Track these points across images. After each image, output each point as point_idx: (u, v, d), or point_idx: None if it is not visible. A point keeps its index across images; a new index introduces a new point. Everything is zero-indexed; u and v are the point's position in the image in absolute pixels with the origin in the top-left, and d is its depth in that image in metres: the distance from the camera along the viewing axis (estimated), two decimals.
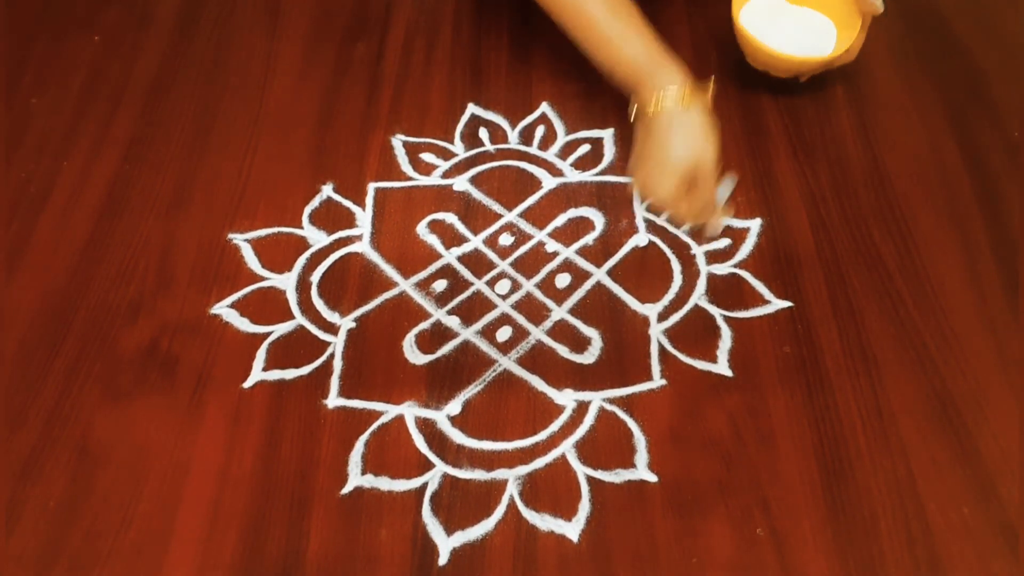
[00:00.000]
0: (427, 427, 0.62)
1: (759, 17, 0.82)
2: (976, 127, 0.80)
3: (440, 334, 0.67)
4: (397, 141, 0.81)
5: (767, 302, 0.68)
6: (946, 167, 0.77)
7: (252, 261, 0.72)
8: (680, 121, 0.66)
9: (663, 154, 0.66)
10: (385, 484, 0.59)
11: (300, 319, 0.68)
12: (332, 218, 0.75)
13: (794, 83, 0.82)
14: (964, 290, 0.68)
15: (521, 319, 0.68)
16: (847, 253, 0.71)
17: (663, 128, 0.66)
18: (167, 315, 0.69)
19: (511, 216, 0.75)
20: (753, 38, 0.78)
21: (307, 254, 0.73)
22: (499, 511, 0.58)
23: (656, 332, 0.67)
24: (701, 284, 0.69)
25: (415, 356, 0.66)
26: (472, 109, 0.83)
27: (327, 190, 0.77)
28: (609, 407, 0.63)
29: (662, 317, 0.68)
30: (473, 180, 0.78)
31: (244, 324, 0.68)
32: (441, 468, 0.60)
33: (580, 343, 0.66)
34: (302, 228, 0.74)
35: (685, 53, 0.84)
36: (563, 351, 0.66)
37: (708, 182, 0.67)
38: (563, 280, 0.70)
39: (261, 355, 0.66)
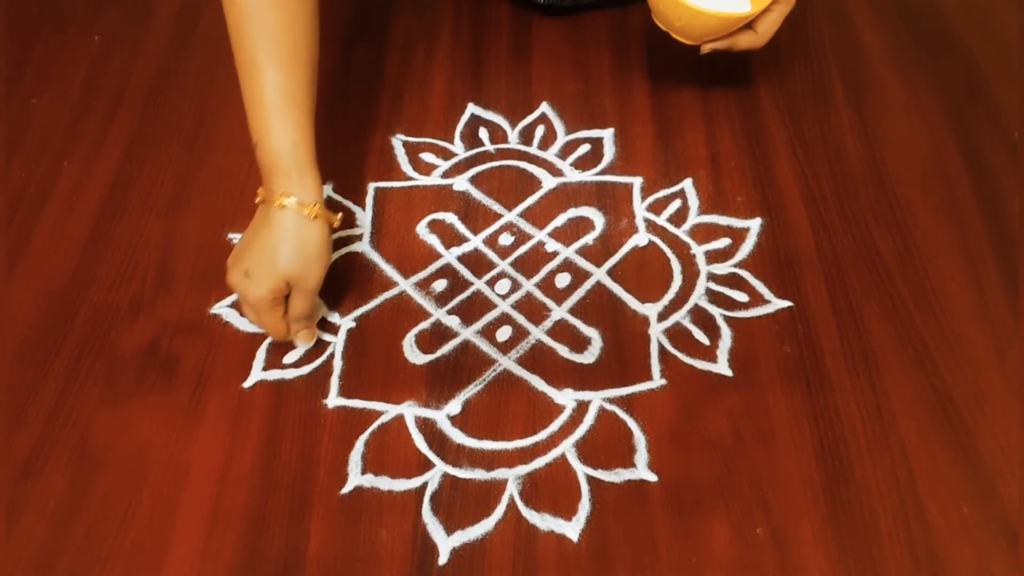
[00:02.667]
0: (427, 427, 0.62)
1: None
2: (976, 127, 0.80)
3: (440, 334, 0.67)
4: (397, 141, 0.81)
5: (767, 302, 0.68)
6: (946, 167, 0.77)
7: None
8: (301, 230, 0.61)
9: (271, 255, 0.61)
10: (385, 484, 0.59)
11: None
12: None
13: (783, 74, 0.82)
14: (964, 290, 0.68)
15: (521, 319, 0.68)
16: (847, 253, 0.71)
17: (281, 229, 0.61)
18: (167, 315, 0.69)
19: (511, 216, 0.75)
20: None
21: None
22: (499, 511, 0.58)
23: (656, 332, 0.67)
24: (701, 284, 0.69)
25: (415, 356, 0.66)
26: (472, 109, 0.83)
27: (327, 190, 0.77)
28: (609, 407, 0.63)
29: (662, 317, 0.68)
30: (473, 180, 0.78)
31: (244, 324, 0.68)
32: (441, 468, 0.60)
33: (580, 343, 0.66)
34: None
35: (685, 53, 0.84)
36: (563, 351, 0.66)
37: (304, 303, 0.63)
38: (563, 280, 0.70)
39: (261, 355, 0.66)
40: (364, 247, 0.73)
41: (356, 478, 0.60)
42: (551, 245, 0.73)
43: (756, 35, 0.75)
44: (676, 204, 0.75)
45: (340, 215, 0.65)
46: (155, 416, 0.63)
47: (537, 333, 0.67)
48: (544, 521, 0.57)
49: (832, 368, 0.64)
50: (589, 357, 0.66)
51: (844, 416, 0.61)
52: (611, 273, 0.71)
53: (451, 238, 0.74)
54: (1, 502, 0.59)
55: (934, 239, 0.71)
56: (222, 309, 0.69)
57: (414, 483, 0.59)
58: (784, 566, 0.55)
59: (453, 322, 0.68)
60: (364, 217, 0.75)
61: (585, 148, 0.80)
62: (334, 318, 0.68)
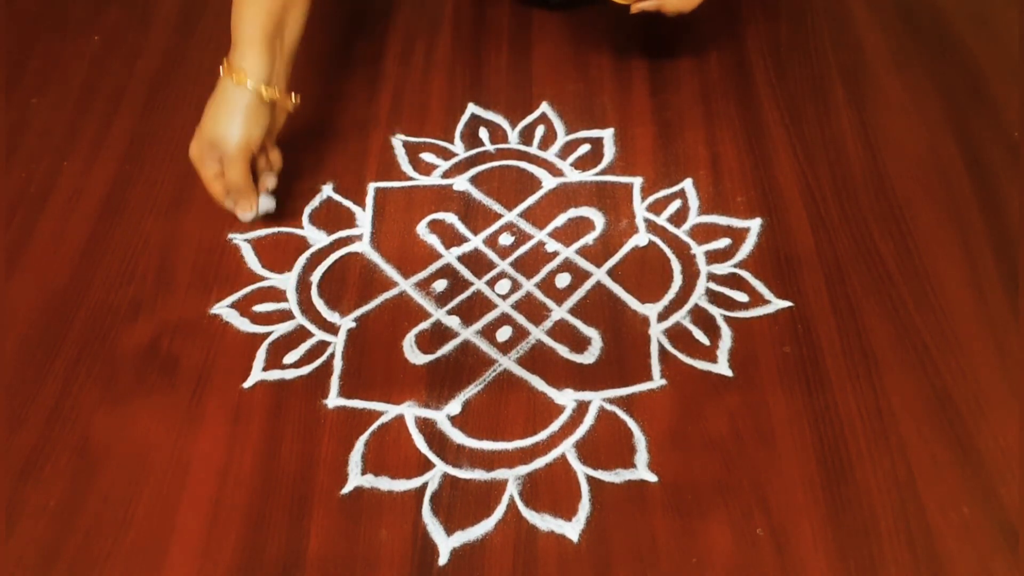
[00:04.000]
0: (427, 427, 0.62)
1: None
2: (976, 127, 0.80)
3: (440, 334, 0.67)
4: (397, 141, 0.81)
5: (767, 302, 0.68)
6: (946, 167, 0.77)
7: (252, 261, 0.72)
8: (226, 94, 0.68)
9: (204, 116, 0.68)
10: (385, 484, 0.59)
11: (300, 319, 0.68)
12: (332, 218, 0.75)
13: (783, 72, 0.81)
14: (964, 290, 0.68)
15: (521, 319, 0.68)
16: (847, 253, 0.71)
17: (214, 95, 0.68)
18: (167, 315, 0.69)
19: (511, 216, 0.75)
20: None
21: (307, 254, 0.73)
22: (499, 511, 0.58)
23: (656, 332, 0.67)
24: (701, 284, 0.69)
25: (415, 356, 0.66)
26: (472, 109, 0.83)
27: (327, 190, 0.77)
28: (609, 407, 0.63)
29: (662, 317, 0.68)
30: (473, 180, 0.78)
31: (244, 324, 0.68)
32: (441, 468, 0.60)
33: (580, 343, 0.66)
34: (302, 228, 0.74)
35: (685, 53, 0.84)
36: (563, 351, 0.66)
37: (231, 167, 0.68)
38: (563, 280, 0.70)
39: (261, 355, 0.66)
40: (364, 247, 0.73)
41: (356, 478, 0.60)
42: (551, 245, 0.73)
43: None
44: (676, 204, 0.75)
45: (296, 97, 0.71)
46: (155, 416, 0.63)
47: (537, 333, 0.67)
48: (544, 521, 0.57)
49: (832, 368, 0.64)
50: (589, 357, 0.66)
51: (844, 416, 0.61)
52: (611, 273, 0.71)
53: (451, 238, 0.74)
54: (1, 502, 0.59)
55: (934, 239, 0.71)
56: (222, 309, 0.69)
57: (414, 483, 0.59)
58: (784, 566, 0.55)
59: (453, 322, 0.68)
60: (364, 217, 0.75)
61: (585, 148, 0.80)
62: (334, 318, 0.68)
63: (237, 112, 0.67)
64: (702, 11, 0.78)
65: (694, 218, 0.74)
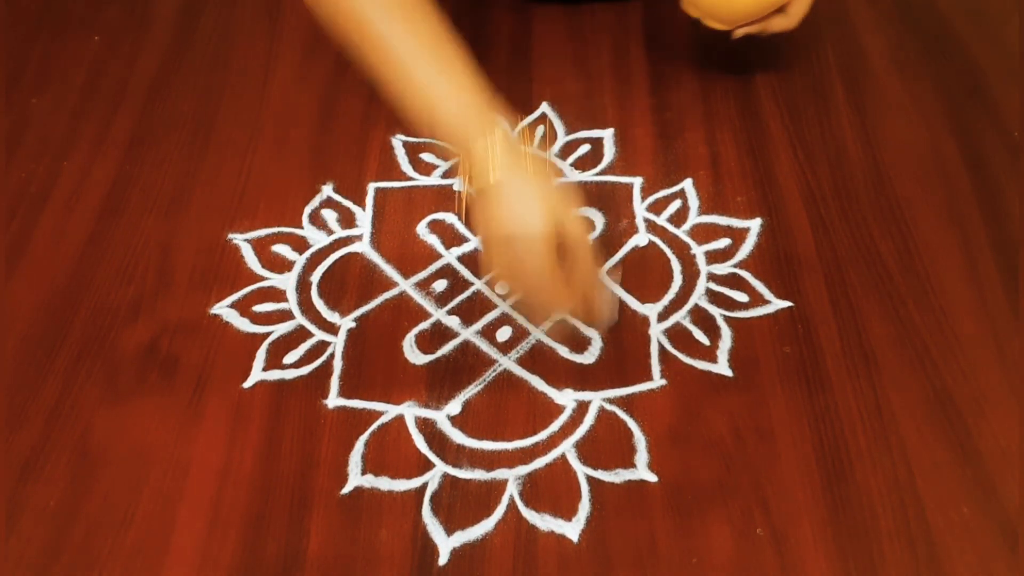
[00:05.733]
0: (427, 427, 0.62)
1: None
2: (976, 127, 0.80)
3: (440, 334, 0.67)
4: (397, 141, 0.81)
5: (767, 302, 0.68)
6: (946, 167, 0.77)
7: (252, 261, 0.72)
8: (528, 183, 0.53)
9: (530, 206, 0.53)
10: (385, 484, 0.59)
11: (300, 319, 0.68)
12: (332, 218, 0.75)
13: (782, 69, 0.82)
14: (964, 290, 0.68)
15: (521, 319, 0.68)
16: (847, 253, 0.71)
17: (520, 180, 0.53)
18: (167, 315, 0.69)
19: None
20: None
21: (307, 254, 0.73)
22: (499, 511, 0.58)
23: (656, 332, 0.67)
24: (701, 284, 0.69)
25: (415, 356, 0.66)
26: None
27: (327, 190, 0.77)
28: (609, 407, 0.63)
29: (662, 317, 0.68)
30: None
31: (244, 324, 0.68)
32: (441, 468, 0.60)
33: (580, 343, 0.66)
34: (302, 228, 0.74)
35: (685, 53, 0.84)
36: (563, 351, 0.66)
37: (584, 246, 0.55)
38: None
39: (261, 355, 0.66)
40: (364, 247, 0.73)
41: (356, 478, 0.60)
42: None
43: (788, 17, 0.75)
44: (676, 204, 0.75)
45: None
46: (155, 416, 0.63)
47: (537, 333, 0.67)
48: (544, 521, 0.57)
49: (832, 368, 0.64)
50: (589, 357, 0.66)
51: (844, 416, 0.61)
52: (611, 273, 0.71)
53: (451, 238, 0.74)
54: (1, 502, 0.59)
55: (934, 239, 0.71)
56: (222, 309, 0.69)
57: (414, 483, 0.59)
58: (784, 566, 0.55)
59: (453, 322, 0.68)
60: (364, 217, 0.75)
61: (585, 148, 0.80)
62: (334, 318, 0.68)
63: (550, 189, 0.54)
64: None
65: (694, 218, 0.74)
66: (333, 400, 0.64)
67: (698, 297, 0.69)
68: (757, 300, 0.68)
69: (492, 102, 0.56)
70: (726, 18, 0.76)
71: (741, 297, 0.68)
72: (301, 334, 0.67)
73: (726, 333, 0.66)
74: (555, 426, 0.62)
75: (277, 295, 0.70)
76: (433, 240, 0.73)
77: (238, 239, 0.74)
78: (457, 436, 0.61)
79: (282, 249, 0.73)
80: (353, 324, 0.68)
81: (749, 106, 0.82)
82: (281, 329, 0.68)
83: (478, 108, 0.55)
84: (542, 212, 0.53)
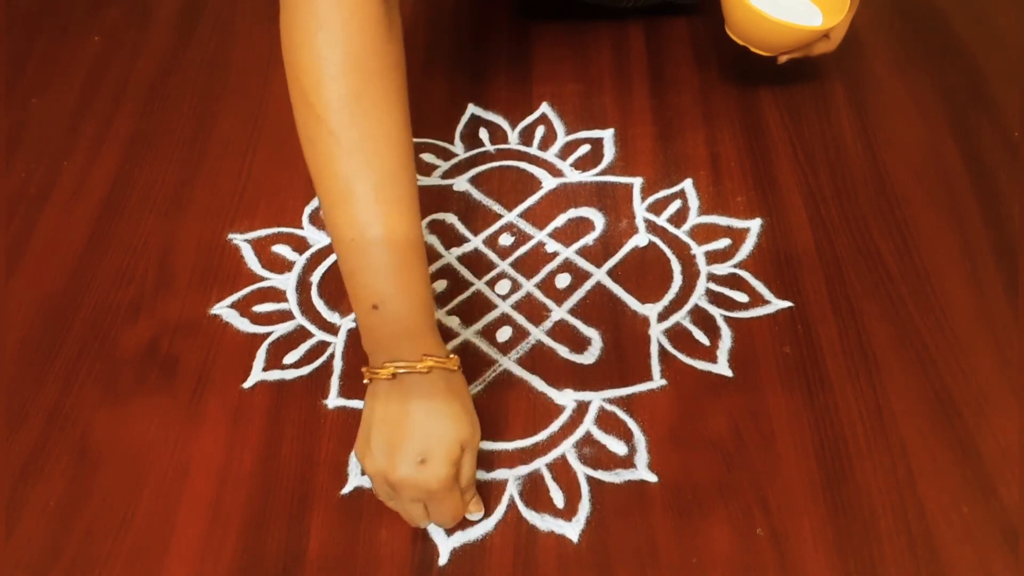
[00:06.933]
0: None
1: None
2: (976, 127, 0.80)
3: (440, 334, 0.67)
4: None
5: (767, 302, 0.68)
6: (946, 167, 0.77)
7: (252, 261, 0.72)
8: (453, 386, 0.53)
9: (445, 425, 0.51)
10: None
11: (300, 319, 0.68)
12: None
13: (783, 70, 0.81)
14: (964, 290, 0.68)
15: (521, 319, 0.68)
16: (847, 253, 0.71)
17: (439, 395, 0.52)
18: (167, 315, 0.69)
19: (511, 216, 0.75)
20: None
21: (307, 254, 0.73)
22: (499, 511, 0.58)
23: (656, 332, 0.67)
24: (701, 284, 0.69)
25: None
26: (472, 109, 0.83)
27: None
28: (609, 407, 0.63)
29: (662, 317, 0.68)
30: (473, 180, 0.78)
31: (244, 324, 0.68)
32: None
33: (580, 343, 0.66)
34: (302, 228, 0.74)
35: (685, 53, 0.84)
36: (563, 351, 0.66)
37: (474, 463, 0.54)
38: (563, 280, 0.70)
39: (261, 355, 0.66)
40: None
41: (356, 479, 0.60)
42: (551, 245, 0.73)
43: (829, 41, 0.78)
44: (676, 204, 0.75)
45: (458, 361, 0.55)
46: (155, 416, 0.63)
47: (537, 333, 0.67)
48: (544, 521, 0.57)
49: (832, 368, 0.64)
50: (589, 357, 0.66)
51: (844, 416, 0.61)
52: (611, 273, 0.71)
53: (451, 238, 0.74)
54: (1, 502, 0.59)
55: (934, 239, 0.71)
56: (222, 309, 0.69)
57: None
58: (784, 566, 0.55)
59: (453, 322, 0.68)
60: None
61: (585, 148, 0.80)
62: (334, 318, 0.68)
63: (467, 396, 0.54)
64: (702, 10, 0.78)
65: (694, 218, 0.74)
66: (333, 400, 0.64)
67: (698, 297, 0.69)
68: (757, 300, 0.68)
69: (431, 328, 0.55)
70: (772, 47, 0.78)
71: (741, 297, 0.68)
72: (301, 334, 0.67)
73: (726, 333, 0.66)
74: (555, 426, 0.62)
75: (277, 295, 0.70)
76: (433, 240, 0.73)
77: (238, 239, 0.74)
78: None
79: (282, 249, 0.73)
80: (353, 324, 0.68)
81: (749, 106, 0.82)
82: (281, 329, 0.68)
83: (425, 311, 0.54)
84: (457, 428, 0.52)
